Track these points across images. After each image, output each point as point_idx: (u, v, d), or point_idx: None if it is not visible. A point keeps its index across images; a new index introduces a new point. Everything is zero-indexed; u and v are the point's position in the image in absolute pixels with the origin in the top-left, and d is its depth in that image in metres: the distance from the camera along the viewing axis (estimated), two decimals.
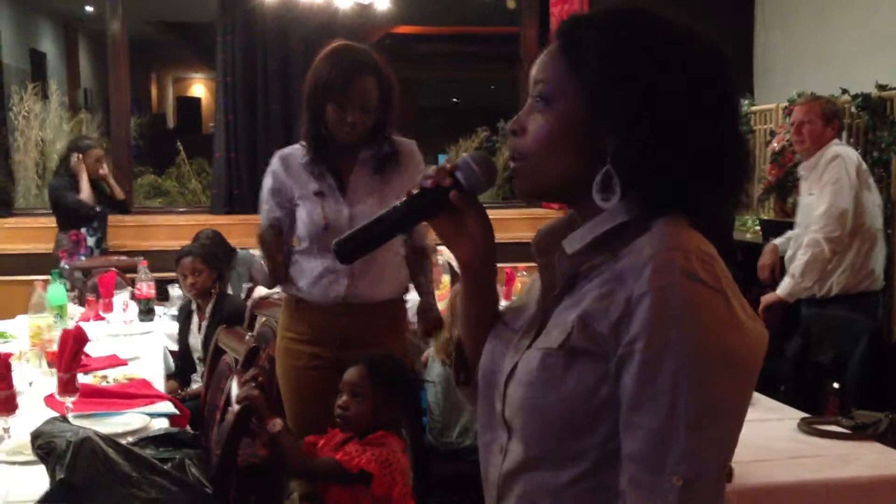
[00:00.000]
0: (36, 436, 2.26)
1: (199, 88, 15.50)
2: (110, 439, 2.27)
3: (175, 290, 5.16)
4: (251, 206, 6.78)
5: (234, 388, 2.58)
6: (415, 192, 1.25)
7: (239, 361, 3.07)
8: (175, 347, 4.48)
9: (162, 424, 2.93)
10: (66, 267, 5.36)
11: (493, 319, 1.33)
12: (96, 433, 2.26)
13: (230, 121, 6.73)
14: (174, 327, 4.63)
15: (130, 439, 2.57)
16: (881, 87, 4.87)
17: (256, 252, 6.00)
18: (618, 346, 1.09)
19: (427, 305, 3.11)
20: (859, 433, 2.84)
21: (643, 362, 1.06)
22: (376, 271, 2.88)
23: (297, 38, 6.65)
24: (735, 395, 1.09)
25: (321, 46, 6.58)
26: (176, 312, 4.85)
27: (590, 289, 1.15)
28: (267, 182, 2.93)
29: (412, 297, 3.14)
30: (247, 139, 6.75)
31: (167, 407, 3.13)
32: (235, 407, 2.37)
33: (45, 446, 2.21)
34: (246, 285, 5.30)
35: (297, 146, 2.94)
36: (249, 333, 3.47)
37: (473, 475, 3.73)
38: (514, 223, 6.67)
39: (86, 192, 6.05)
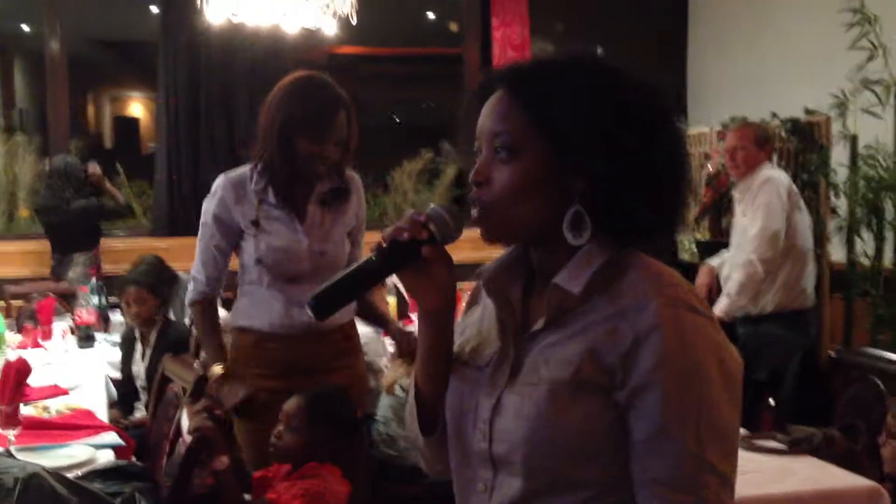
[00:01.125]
0: None
1: (138, 108, 15.30)
2: (58, 474, 2.27)
3: (117, 316, 5.10)
4: (193, 229, 6.66)
5: (185, 419, 2.58)
6: (385, 244, 1.26)
7: (187, 390, 3.07)
8: (116, 375, 4.42)
9: (107, 456, 2.91)
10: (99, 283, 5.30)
11: (450, 358, 1.35)
12: (44, 468, 2.25)
13: (172, 143, 6.68)
14: (115, 354, 4.58)
15: (78, 473, 2.56)
16: (809, 112, 5.03)
17: None
18: (627, 378, 1.16)
19: (399, 329, 3.14)
20: (795, 448, 2.93)
21: (665, 390, 1.15)
22: None
23: (242, 59, 6.65)
24: (735, 409, 1.19)
25: (266, 68, 6.66)
26: (117, 339, 4.80)
27: (589, 324, 1.20)
28: (211, 207, 2.84)
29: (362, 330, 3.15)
30: (189, 161, 6.70)
31: (112, 437, 3.10)
32: (188, 438, 2.37)
33: None
34: (189, 310, 5.26)
35: (243, 170, 2.85)
36: (197, 361, 3.46)
37: (427, 498, 3.75)
38: (459, 245, 6.69)
39: (118, 195, 6.30)
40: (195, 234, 6.75)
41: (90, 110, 14.51)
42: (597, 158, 1.18)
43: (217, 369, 2.77)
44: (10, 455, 2.43)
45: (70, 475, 2.41)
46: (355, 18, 5.00)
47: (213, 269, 2.88)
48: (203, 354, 3.97)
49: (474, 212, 1.26)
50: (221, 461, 2.36)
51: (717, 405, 1.16)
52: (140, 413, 4.20)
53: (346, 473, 2.58)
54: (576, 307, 1.22)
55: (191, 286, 2.93)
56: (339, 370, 2.88)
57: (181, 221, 6.71)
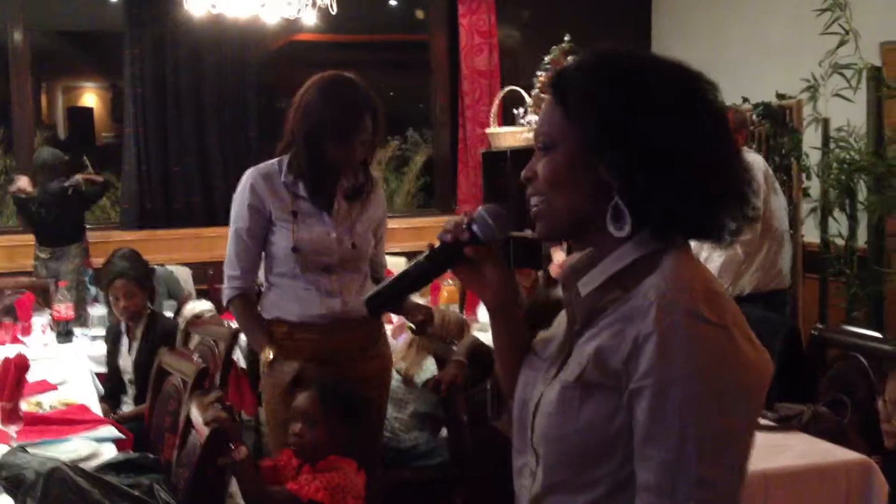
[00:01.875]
0: (0, 468, 2.24)
1: (91, 98, 15.06)
2: (78, 468, 2.27)
3: (95, 311, 5.06)
4: (164, 221, 6.70)
5: (194, 411, 2.58)
6: (436, 246, 1.35)
7: (187, 383, 3.06)
8: (98, 369, 4.39)
9: (109, 449, 2.91)
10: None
11: (523, 351, 1.41)
12: (63, 463, 2.25)
13: (140, 133, 6.61)
14: (96, 349, 4.55)
15: (91, 465, 2.55)
16: (780, 97, 5.13)
17: (174, 268, 5.96)
18: (629, 381, 1.17)
19: (415, 303, 3.15)
20: (785, 424, 3.01)
21: (652, 397, 1.14)
22: (358, 288, 2.91)
23: (209, 49, 6.62)
24: (740, 424, 1.17)
25: (235, 56, 6.60)
26: (96, 334, 4.77)
27: (605, 325, 1.23)
28: (246, 199, 2.86)
29: None
30: (157, 152, 6.65)
31: (110, 431, 3.10)
32: (203, 429, 2.38)
33: (12, 479, 2.19)
34: (167, 303, 5.22)
35: (272, 164, 2.89)
36: (197, 354, 3.46)
37: (420, 482, 3.80)
38: (430, 231, 6.75)
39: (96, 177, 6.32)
40: (166, 226, 6.76)
41: (43, 101, 14.25)
42: (622, 149, 1.20)
43: (268, 353, 2.81)
44: (23, 450, 2.41)
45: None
46: (335, 8, 5.00)
47: (246, 261, 2.89)
48: (192, 346, 4.02)
49: (533, 208, 1.30)
50: (240, 450, 2.38)
51: (709, 417, 1.13)
52: (127, 407, 4.18)
53: (362, 461, 2.62)
54: (606, 307, 1.24)
55: (225, 284, 2.94)
56: (371, 358, 2.95)
57: (151, 214, 6.67)
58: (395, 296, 1.40)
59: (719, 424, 1.14)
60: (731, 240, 1.26)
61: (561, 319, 1.39)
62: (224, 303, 2.99)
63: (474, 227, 1.33)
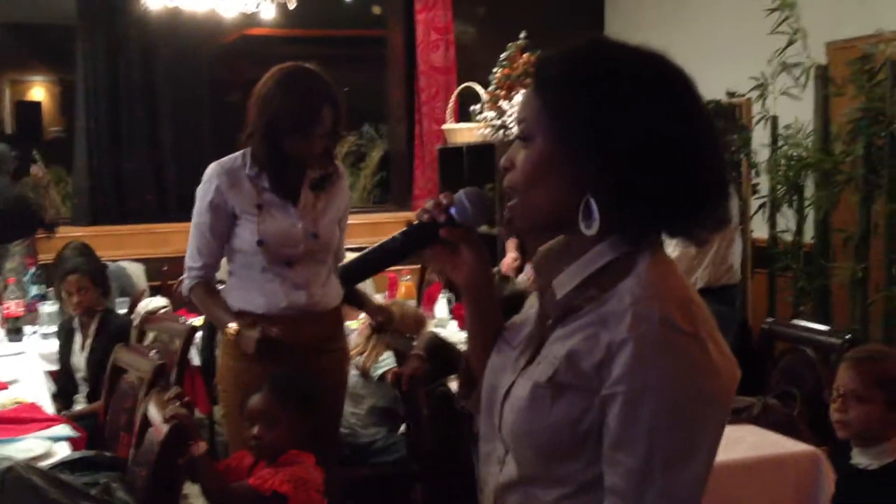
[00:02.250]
0: None
1: (39, 92, 14.82)
2: (33, 467, 2.25)
3: (45, 308, 5.00)
4: (116, 217, 6.62)
5: (152, 408, 2.57)
6: (412, 224, 1.36)
7: (144, 380, 3.05)
8: (49, 367, 4.34)
9: (63, 448, 2.89)
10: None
11: (496, 333, 1.41)
12: (18, 462, 2.23)
13: (92, 128, 6.51)
14: (47, 346, 4.50)
15: (46, 463, 2.53)
16: (730, 95, 5.22)
17: (126, 264, 5.90)
18: (601, 385, 1.16)
19: (376, 305, 3.19)
20: (736, 417, 3.06)
21: (624, 404, 1.14)
22: (323, 280, 2.89)
23: (162, 43, 6.55)
24: (707, 435, 1.17)
25: (189, 50, 6.53)
26: (47, 331, 4.71)
27: (579, 326, 1.22)
28: (208, 194, 2.85)
29: None
30: (110, 147, 6.56)
31: (64, 430, 3.07)
32: (162, 427, 2.37)
33: None
34: (119, 300, 5.17)
35: (235, 158, 2.88)
36: (154, 351, 3.43)
37: (378, 479, 3.80)
38: (386, 227, 6.75)
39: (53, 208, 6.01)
40: (119, 222, 6.66)
41: None
42: (597, 142, 1.17)
43: (232, 327, 2.80)
44: None
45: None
46: (294, 3, 4.98)
47: (208, 256, 2.89)
48: (146, 343, 3.99)
49: (508, 202, 1.29)
50: (199, 446, 2.38)
51: (678, 428, 1.14)
52: (79, 405, 4.14)
53: (319, 458, 2.63)
54: (581, 305, 1.23)
55: (186, 274, 2.94)
56: (333, 351, 2.96)
57: (103, 209, 6.58)
58: (369, 268, 1.41)
59: (687, 435, 1.15)
60: (707, 238, 1.24)
61: (531, 305, 1.40)
62: (185, 292, 2.97)
63: (452, 210, 1.33)
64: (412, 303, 4.89)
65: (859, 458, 2.57)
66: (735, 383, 1.20)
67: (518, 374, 1.30)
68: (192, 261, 2.91)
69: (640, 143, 1.17)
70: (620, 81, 1.19)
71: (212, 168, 2.89)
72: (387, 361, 3.88)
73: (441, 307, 4.95)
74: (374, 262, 1.40)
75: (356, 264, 1.40)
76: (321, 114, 2.75)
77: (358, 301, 3.22)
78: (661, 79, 1.21)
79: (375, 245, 1.37)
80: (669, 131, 1.18)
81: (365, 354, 3.92)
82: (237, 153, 2.90)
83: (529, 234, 1.34)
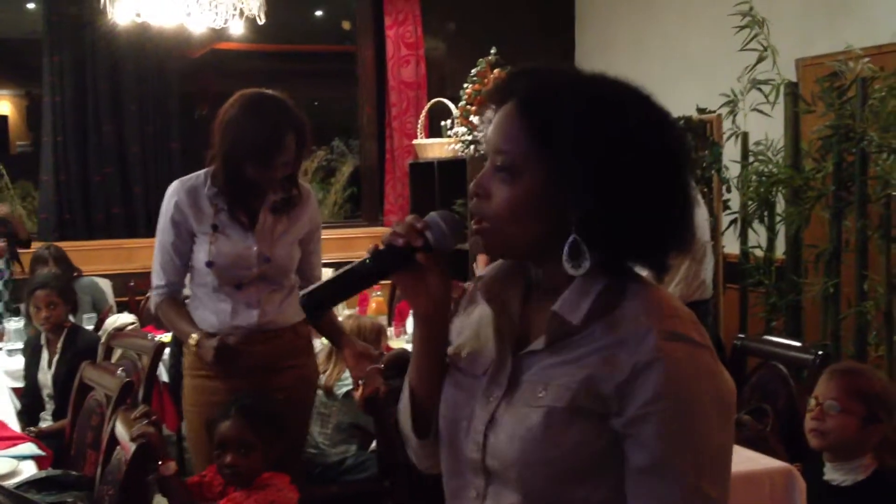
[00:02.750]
0: None
1: (5, 106, 14.65)
2: None
3: (11, 324, 4.92)
4: (84, 232, 6.55)
5: (119, 426, 2.52)
6: (381, 247, 1.28)
7: (110, 398, 3.00)
8: (14, 384, 4.27)
9: (29, 467, 2.84)
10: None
11: (444, 366, 1.37)
12: None
13: (59, 142, 6.46)
14: (12, 363, 4.43)
15: (11, 483, 2.47)
16: (701, 111, 5.24)
17: (99, 280, 5.82)
18: (623, 407, 1.17)
19: (355, 351, 3.03)
20: None
21: (662, 422, 1.15)
22: (279, 300, 2.89)
23: (132, 57, 6.52)
24: (729, 436, 1.22)
25: (157, 64, 6.48)
26: (12, 347, 4.63)
27: (587, 352, 1.21)
28: (168, 212, 2.84)
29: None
30: (77, 161, 6.52)
31: (30, 448, 3.03)
32: (129, 445, 2.32)
33: None
34: (87, 316, 5.09)
35: (198, 176, 2.87)
36: (121, 368, 3.38)
37: (349, 496, 3.75)
38: (357, 242, 6.74)
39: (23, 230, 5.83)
40: (86, 237, 6.59)
41: None
42: (592, 187, 1.18)
43: (193, 337, 2.78)
44: None
45: None
46: (263, 18, 4.97)
47: (172, 274, 2.89)
48: (114, 360, 3.92)
49: (473, 223, 1.27)
50: (168, 466, 2.34)
51: (712, 436, 1.17)
52: (45, 423, 4.07)
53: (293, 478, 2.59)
54: (576, 333, 1.22)
55: (153, 292, 2.93)
56: (288, 370, 2.92)
57: (70, 224, 6.53)
58: (334, 295, 1.30)
59: (719, 442, 1.18)
60: (668, 269, 1.27)
61: (478, 330, 1.36)
62: (153, 310, 2.97)
63: (428, 234, 1.27)
64: (383, 319, 4.85)
65: (832, 475, 2.58)
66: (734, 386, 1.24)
67: (498, 403, 1.26)
68: (157, 278, 2.91)
69: (636, 183, 1.19)
70: (622, 123, 1.20)
71: (173, 185, 2.89)
72: (349, 380, 3.85)
73: (412, 323, 4.91)
74: (341, 288, 1.29)
75: (321, 290, 1.29)
76: (284, 142, 2.72)
77: (333, 336, 3.12)
78: (656, 122, 1.23)
79: (343, 269, 1.29)
80: (661, 171, 1.21)
81: (327, 373, 3.88)
82: (200, 171, 2.88)
83: (496, 257, 1.32)
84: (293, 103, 2.80)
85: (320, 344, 4.26)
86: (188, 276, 2.92)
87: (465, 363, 1.34)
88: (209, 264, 2.79)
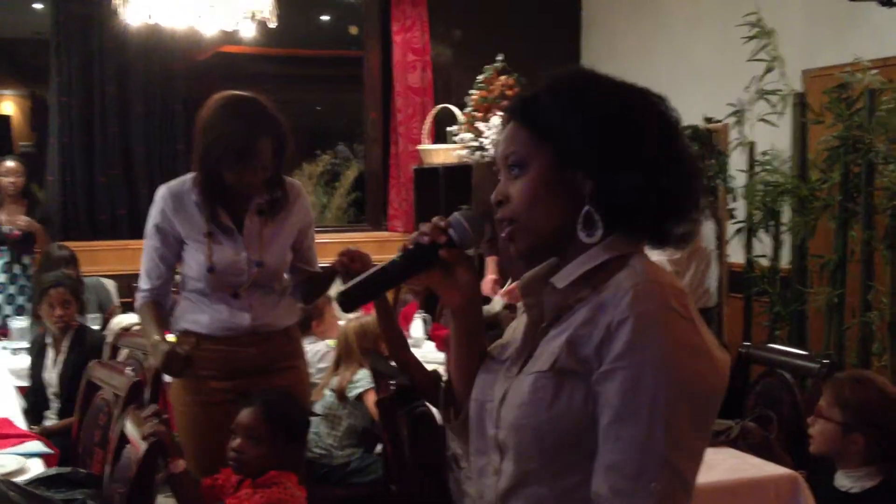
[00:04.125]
0: None
1: (8, 106, 14.67)
2: (10, 482, 2.20)
3: (16, 323, 4.93)
4: (88, 233, 6.56)
5: (129, 425, 2.53)
6: (410, 247, 1.37)
7: (119, 397, 3.00)
8: (19, 383, 4.27)
9: (36, 465, 2.85)
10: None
11: (479, 358, 1.45)
12: None
13: (64, 143, 6.49)
14: (16, 362, 4.43)
15: (19, 480, 2.48)
16: (708, 120, 5.26)
17: (107, 282, 5.84)
18: (599, 366, 1.21)
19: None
20: (714, 440, 3.07)
21: (624, 378, 1.18)
22: (272, 302, 2.88)
23: (139, 59, 6.55)
24: (704, 416, 1.22)
25: (164, 67, 6.51)
26: (17, 346, 4.64)
27: (575, 318, 1.27)
28: (153, 217, 2.83)
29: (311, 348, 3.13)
30: (83, 162, 6.54)
31: (37, 446, 3.03)
32: (140, 444, 2.33)
33: None
34: (92, 316, 5.10)
35: (185, 180, 2.84)
36: (129, 367, 3.38)
37: (354, 499, 3.76)
38: (360, 246, 6.67)
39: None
40: (91, 237, 6.60)
41: None
42: (593, 157, 1.26)
43: (153, 339, 2.71)
44: None
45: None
46: (275, 22, 4.99)
47: (157, 279, 2.86)
48: (120, 359, 3.93)
49: (503, 232, 1.34)
50: (178, 464, 2.34)
51: (674, 401, 1.17)
52: (50, 421, 4.07)
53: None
54: (573, 305, 1.29)
55: (137, 295, 2.90)
56: (283, 371, 2.91)
57: (75, 225, 6.55)
58: (368, 292, 1.41)
59: (687, 411, 1.18)
60: (682, 245, 1.33)
61: (515, 327, 1.44)
62: (136, 310, 2.95)
63: (451, 232, 1.36)
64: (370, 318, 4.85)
65: (842, 481, 2.59)
66: (728, 369, 1.25)
67: (512, 381, 1.34)
68: (142, 282, 2.88)
69: (632, 148, 1.27)
70: (603, 95, 1.31)
71: (160, 192, 2.86)
72: (362, 382, 3.86)
73: (416, 327, 4.93)
74: (374, 285, 1.40)
75: (356, 288, 1.39)
76: (257, 146, 2.67)
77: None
78: (639, 91, 1.33)
79: (374, 268, 1.39)
80: (653, 136, 1.29)
81: (339, 376, 3.89)
82: (187, 177, 2.85)
83: (528, 255, 1.37)
84: (273, 106, 2.75)
85: (325, 346, 4.28)
86: (181, 282, 2.90)
87: (496, 352, 1.43)
88: (210, 270, 2.77)
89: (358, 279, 1.39)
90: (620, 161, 1.26)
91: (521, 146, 1.32)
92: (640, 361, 1.18)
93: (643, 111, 1.30)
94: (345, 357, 3.94)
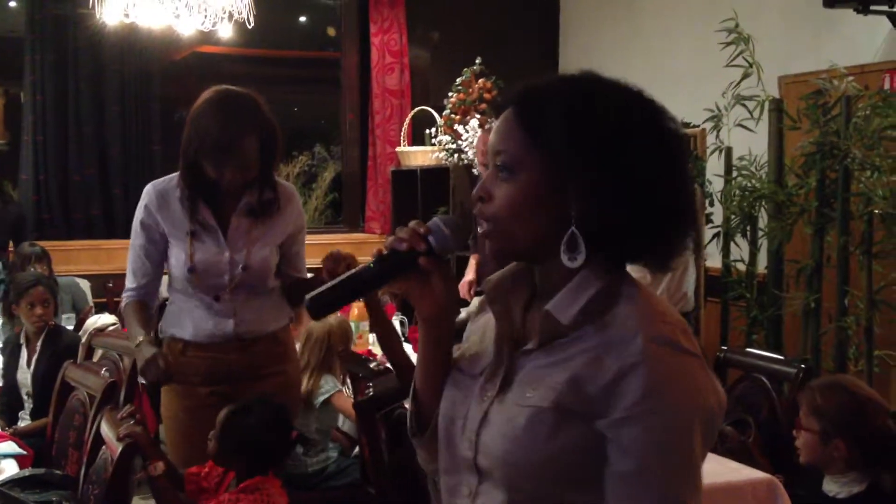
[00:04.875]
0: None
1: None
2: None
3: None
4: (63, 232, 6.51)
5: (104, 426, 2.50)
6: (385, 252, 1.30)
7: (94, 398, 2.97)
8: None
9: (10, 466, 2.83)
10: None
11: (447, 368, 1.39)
12: None
13: (39, 142, 6.44)
14: None
15: None
16: (685, 125, 5.27)
17: (81, 282, 5.79)
18: (608, 409, 1.17)
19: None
20: None
21: (647, 429, 1.16)
22: (257, 306, 2.83)
23: (115, 58, 6.51)
24: (707, 448, 1.21)
25: (140, 66, 6.47)
26: None
27: (575, 353, 1.22)
28: (139, 214, 2.79)
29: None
30: (57, 161, 6.49)
31: (11, 447, 3.01)
32: (115, 445, 2.30)
33: None
34: (66, 315, 5.05)
35: (171, 178, 2.80)
36: (104, 368, 3.35)
37: (332, 503, 3.72)
38: (338, 248, 6.71)
39: None
40: (65, 237, 6.55)
41: None
42: (589, 176, 1.20)
43: (138, 339, 2.64)
44: None
45: None
46: (252, 22, 4.97)
47: (142, 277, 2.81)
48: (95, 359, 3.89)
49: (479, 227, 1.29)
50: (157, 466, 2.32)
51: (694, 446, 1.17)
52: (24, 422, 4.03)
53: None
54: (567, 333, 1.24)
55: (123, 295, 2.85)
56: (268, 377, 2.86)
57: (49, 224, 6.50)
58: (338, 299, 1.32)
59: (699, 450, 1.18)
60: (671, 266, 1.28)
61: (484, 334, 1.38)
62: (122, 309, 2.88)
63: (430, 238, 1.30)
64: (365, 325, 4.83)
65: (829, 486, 2.60)
66: (724, 398, 1.24)
67: (492, 402, 1.28)
68: (128, 281, 2.83)
69: (632, 176, 1.21)
70: (614, 116, 1.23)
71: (147, 189, 2.82)
72: (326, 387, 3.83)
73: (395, 326, 4.91)
74: (346, 292, 1.31)
75: (326, 293, 1.30)
76: (241, 143, 2.62)
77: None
78: (647, 111, 1.26)
79: (348, 273, 1.31)
80: (656, 164, 1.23)
81: (305, 384, 3.84)
82: (173, 174, 2.81)
83: (501, 258, 1.33)
84: (266, 106, 2.71)
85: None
86: (168, 282, 2.87)
87: (465, 364, 1.37)
88: (191, 270, 2.73)
89: (328, 284, 1.30)
90: (616, 187, 1.20)
91: (515, 147, 1.25)
92: (660, 410, 1.16)
93: (649, 133, 1.24)
94: (313, 362, 3.89)
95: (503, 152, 1.26)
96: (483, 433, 1.27)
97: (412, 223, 1.31)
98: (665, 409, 1.16)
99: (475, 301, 4.89)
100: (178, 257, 2.76)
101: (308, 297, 1.30)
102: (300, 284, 2.92)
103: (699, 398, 1.18)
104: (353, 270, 1.31)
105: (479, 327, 1.40)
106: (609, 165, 1.20)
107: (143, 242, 2.78)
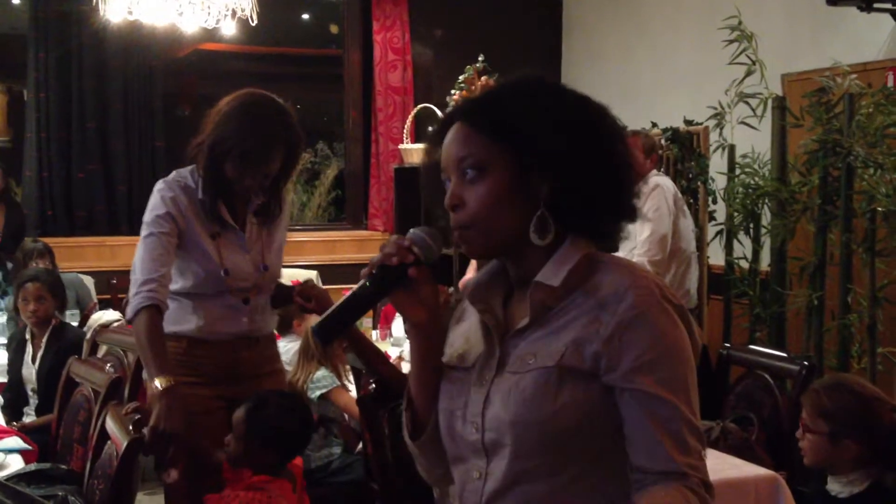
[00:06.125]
0: None
1: None
2: None
3: None
4: (66, 229, 6.52)
5: (109, 421, 2.51)
6: (374, 271, 1.37)
7: (99, 393, 2.98)
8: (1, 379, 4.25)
9: (16, 461, 2.84)
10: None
11: (440, 373, 1.45)
12: None
13: (42, 139, 6.45)
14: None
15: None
16: (688, 122, 5.29)
17: (85, 278, 5.79)
18: (616, 362, 1.28)
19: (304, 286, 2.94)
20: None
21: (661, 369, 1.27)
22: (262, 307, 2.84)
23: (118, 55, 6.52)
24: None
25: (143, 63, 6.47)
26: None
27: (569, 319, 1.32)
28: (163, 205, 2.66)
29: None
30: (61, 158, 6.50)
31: (16, 443, 3.01)
32: (121, 440, 2.31)
33: None
34: (70, 312, 5.05)
35: (185, 175, 2.74)
36: (109, 364, 3.36)
37: (335, 498, 3.73)
38: (340, 245, 6.75)
39: None
40: (68, 234, 6.56)
41: None
42: (556, 159, 1.31)
43: (160, 382, 2.42)
44: None
45: None
46: (255, 19, 4.98)
47: (162, 266, 2.61)
48: (99, 356, 3.90)
49: (455, 234, 1.37)
50: (171, 475, 2.32)
51: (689, 375, 1.30)
52: (29, 418, 4.04)
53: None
54: (557, 304, 1.34)
55: (138, 290, 2.58)
56: (269, 375, 2.88)
57: (52, 221, 6.51)
58: (343, 323, 1.41)
59: (693, 380, 1.32)
60: (614, 244, 1.42)
61: (468, 333, 1.45)
62: (133, 312, 2.56)
63: (416, 250, 1.37)
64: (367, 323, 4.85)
65: (832, 485, 2.60)
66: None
67: (491, 383, 1.35)
68: (146, 273, 2.58)
69: (590, 151, 1.34)
70: (559, 99, 1.37)
71: (167, 184, 2.72)
72: (323, 382, 3.84)
73: (398, 326, 4.93)
74: (348, 314, 1.40)
75: (331, 319, 1.38)
76: (272, 153, 2.62)
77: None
78: (586, 97, 1.40)
79: (346, 296, 1.39)
80: (607, 140, 1.36)
81: (299, 378, 3.85)
82: (185, 174, 2.74)
83: (482, 256, 1.43)
84: (295, 116, 2.69)
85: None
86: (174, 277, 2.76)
87: (456, 361, 1.43)
88: (226, 272, 2.70)
89: (331, 310, 1.38)
90: (581, 163, 1.32)
91: (479, 149, 1.34)
92: (665, 353, 1.28)
93: (596, 115, 1.37)
94: (305, 355, 3.91)
95: (468, 156, 1.35)
96: (487, 412, 1.35)
97: (394, 238, 1.39)
98: (669, 353, 1.28)
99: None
100: (203, 258, 2.70)
101: (313, 326, 1.40)
102: (280, 287, 2.96)
103: (686, 340, 1.31)
104: (349, 293, 1.39)
105: (461, 333, 1.47)
106: (567, 142, 1.31)
107: (167, 231, 2.64)
